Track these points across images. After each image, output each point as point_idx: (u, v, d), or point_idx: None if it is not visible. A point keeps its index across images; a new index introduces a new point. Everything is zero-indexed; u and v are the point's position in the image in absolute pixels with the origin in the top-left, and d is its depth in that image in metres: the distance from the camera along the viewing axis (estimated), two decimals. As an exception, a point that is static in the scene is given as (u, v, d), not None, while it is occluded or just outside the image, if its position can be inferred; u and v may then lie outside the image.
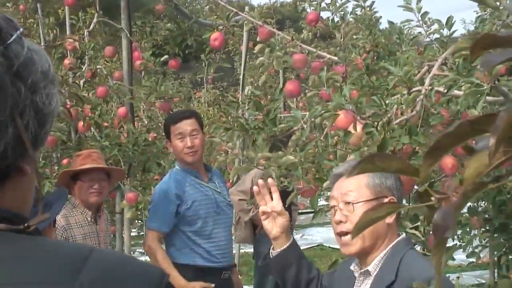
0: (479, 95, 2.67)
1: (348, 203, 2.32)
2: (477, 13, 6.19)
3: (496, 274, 8.07)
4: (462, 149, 0.85)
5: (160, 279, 1.00)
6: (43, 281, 0.93)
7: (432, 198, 0.87)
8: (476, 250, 4.53)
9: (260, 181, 2.61)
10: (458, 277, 2.15)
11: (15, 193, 1.04)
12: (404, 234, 2.42)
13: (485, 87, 2.64)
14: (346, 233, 2.33)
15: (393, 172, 0.85)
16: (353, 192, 2.32)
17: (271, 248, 2.64)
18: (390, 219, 2.30)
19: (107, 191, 4.69)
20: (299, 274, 2.61)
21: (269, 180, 2.62)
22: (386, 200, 2.29)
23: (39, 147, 1.07)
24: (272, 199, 2.59)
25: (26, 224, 1.01)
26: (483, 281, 7.65)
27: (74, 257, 0.98)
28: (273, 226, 2.58)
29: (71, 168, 4.51)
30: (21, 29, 1.02)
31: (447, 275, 3.48)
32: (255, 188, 2.62)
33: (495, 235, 4.05)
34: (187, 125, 4.47)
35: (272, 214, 2.57)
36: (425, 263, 2.26)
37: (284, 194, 2.65)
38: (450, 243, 4.95)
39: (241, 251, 9.17)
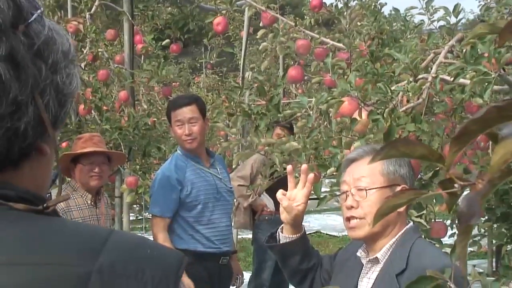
0: (486, 84, 2.65)
1: (361, 189, 2.30)
2: (479, 2, 6.16)
3: (494, 264, 8.12)
4: (486, 136, 0.83)
5: (179, 263, 0.99)
6: (62, 262, 0.93)
7: (456, 185, 0.86)
8: (475, 239, 4.53)
9: (304, 166, 2.51)
10: (474, 266, 2.14)
11: (34, 173, 1.03)
12: (411, 223, 2.41)
13: (492, 76, 2.62)
14: (355, 218, 2.31)
15: (417, 158, 0.83)
16: (366, 178, 2.30)
17: (280, 228, 2.58)
18: (401, 208, 2.28)
19: (108, 174, 4.68)
20: (300, 264, 2.59)
21: (303, 166, 2.50)
22: (398, 188, 2.27)
23: (59, 128, 1.06)
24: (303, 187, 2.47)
25: (44, 205, 1.00)
26: (481, 270, 7.68)
27: (94, 238, 0.97)
28: (284, 210, 2.49)
29: (71, 151, 4.50)
30: (42, 8, 1.01)
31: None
32: (289, 166, 2.54)
33: (496, 224, 4.05)
34: (186, 112, 4.44)
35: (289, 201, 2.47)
36: (435, 252, 2.25)
37: (287, 180, 2.60)
38: (449, 232, 4.95)
39: (239, 237, 9.18)
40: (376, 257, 2.31)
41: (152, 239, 4.47)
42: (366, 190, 2.29)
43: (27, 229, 0.96)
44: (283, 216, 2.50)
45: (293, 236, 2.54)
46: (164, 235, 4.39)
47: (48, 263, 0.92)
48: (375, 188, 2.29)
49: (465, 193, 0.87)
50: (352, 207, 2.31)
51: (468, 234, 0.81)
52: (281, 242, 2.57)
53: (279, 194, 2.49)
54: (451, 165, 0.81)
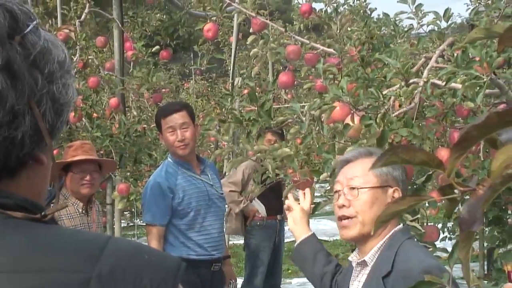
0: (478, 87, 2.66)
1: (353, 188, 2.32)
2: (467, 6, 6.17)
3: (485, 267, 8.14)
4: (485, 141, 0.83)
5: (177, 268, 1.02)
6: (61, 268, 0.94)
7: (456, 191, 0.86)
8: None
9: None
10: (472, 270, 2.14)
11: (31, 182, 1.04)
12: (401, 225, 2.41)
13: (484, 79, 2.63)
14: (347, 218, 2.32)
15: (417, 164, 0.83)
16: (359, 177, 2.32)
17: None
18: None
19: (99, 182, 4.66)
20: (314, 267, 2.64)
21: (300, 192, 2.75)
22: (391, 190, 2.29)
23: (56, 137, 1.08)
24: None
25: (43, 213, 1.01)
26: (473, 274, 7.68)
27: (92, 245, 0.98)
28: (291, 215, 2.72)
29: (62, 159, 4.48)
30: (37, 20, 1.02)
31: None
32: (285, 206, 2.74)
33: (488, 227, 4.06)
34: (177, 118, 4.44)
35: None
36: (421, 254, 2.26)
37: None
38: (441, 235, 4.96)
39: (230, 242, 9.17)
40: (364, 260, 2.32)
41: None
42: (358, 189, 2.31)
43: (27, 237, 0.97)
44: (291, 221, 2.72)
45: (300, 239, 2.70)
46: (156, 244, 4.37)
47: (47, 269, 0.93)
48: (367, 187, 2.30)
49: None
50: (343, 206, 2.33)
51: (470, 240, 0.81)
52: None
53: (289, 200, 2.74)
54: (453, 171, 0.81)
